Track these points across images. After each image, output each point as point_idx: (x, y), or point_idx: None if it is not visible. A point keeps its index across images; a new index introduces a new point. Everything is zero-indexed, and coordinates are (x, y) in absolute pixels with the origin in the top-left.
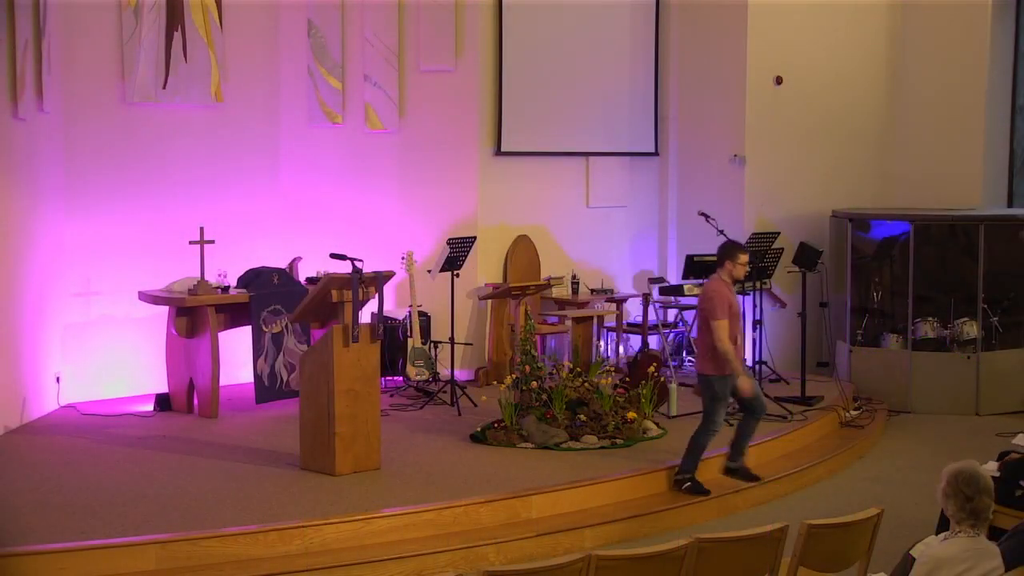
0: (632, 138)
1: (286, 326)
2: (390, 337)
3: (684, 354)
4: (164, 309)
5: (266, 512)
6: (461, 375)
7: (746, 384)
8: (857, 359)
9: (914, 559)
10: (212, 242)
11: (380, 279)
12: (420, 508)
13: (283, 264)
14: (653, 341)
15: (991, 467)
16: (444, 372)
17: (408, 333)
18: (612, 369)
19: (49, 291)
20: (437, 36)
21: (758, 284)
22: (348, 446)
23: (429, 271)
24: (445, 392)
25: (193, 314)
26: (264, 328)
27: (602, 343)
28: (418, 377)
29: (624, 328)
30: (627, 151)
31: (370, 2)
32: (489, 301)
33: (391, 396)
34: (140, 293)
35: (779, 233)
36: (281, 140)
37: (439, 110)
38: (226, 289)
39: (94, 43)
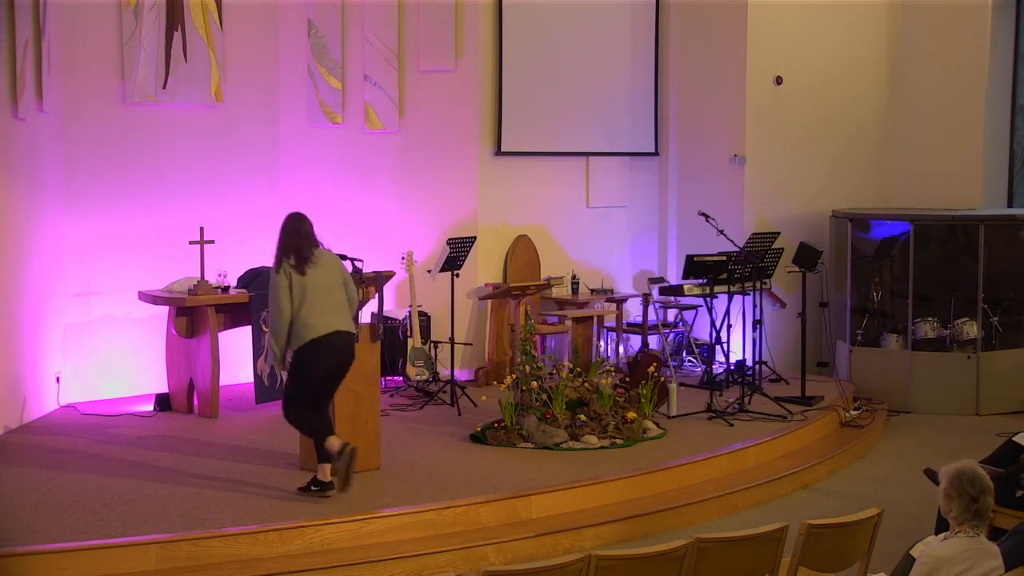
0: (632, 138)
1: None
2: (390, 337)
3: (684, 354)
4: (164, 309)
5: (266, 512)
6: (461, 375)
7: None
8: (857, 359)
9: (914, 559)
10: (212, 242)
11: (380, 279)
12: (420, 508)
13: None
14: (653, 341)
15: None
16: (444, 372)
17: (408, 333)
18: (612, 369)
19: (49, 291)
20: (437, 36)
21: (758, 284)
22: None
23: (429, 271)
24: (445, 392)
25: (193, 314)
26: (264, 328)
27: (602, 343)
28: (418, 377)
29: (624, 328)
30: (627, 151)
31: (370, 2)
32: (489, 301)
33: (391, 396)
34: (140, 293)
35: (779, 233)
36: (281, 140)
37: (439, 110)
38: (226, 289)
39: (94, 43)
